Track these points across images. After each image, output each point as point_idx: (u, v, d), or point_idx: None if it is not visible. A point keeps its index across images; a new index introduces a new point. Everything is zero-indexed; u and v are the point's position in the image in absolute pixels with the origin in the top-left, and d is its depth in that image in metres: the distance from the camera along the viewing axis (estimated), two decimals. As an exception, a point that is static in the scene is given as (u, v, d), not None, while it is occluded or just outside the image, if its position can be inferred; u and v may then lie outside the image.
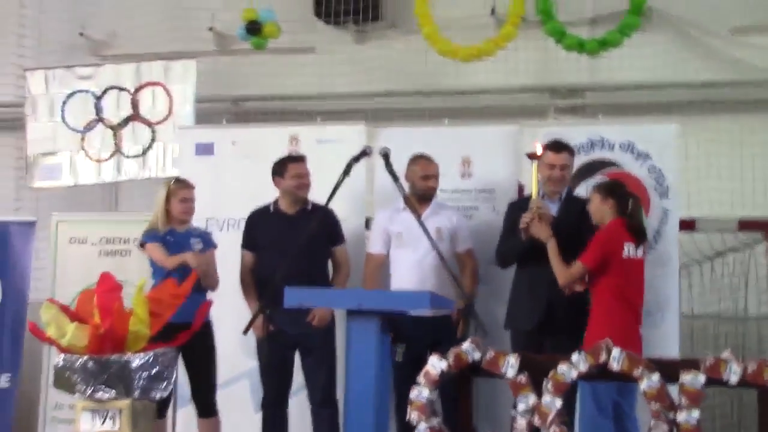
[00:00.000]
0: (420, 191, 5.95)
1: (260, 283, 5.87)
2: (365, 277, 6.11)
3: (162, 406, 5.63)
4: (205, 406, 5.98)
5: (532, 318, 5.59)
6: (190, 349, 5.68)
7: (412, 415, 4.16)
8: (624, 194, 5.44)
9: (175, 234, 5.91)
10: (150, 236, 5.89)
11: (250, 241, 6.05)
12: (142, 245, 5.95)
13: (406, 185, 5.78)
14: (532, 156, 5.41)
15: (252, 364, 6.21)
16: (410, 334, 5.46)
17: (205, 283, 5.84)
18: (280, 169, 6.01)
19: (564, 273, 5.33)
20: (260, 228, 6.04)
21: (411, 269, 5.89)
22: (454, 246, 5.99)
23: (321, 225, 5.63)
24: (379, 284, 6.04)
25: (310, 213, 5.89)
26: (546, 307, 5.54)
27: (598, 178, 6.19)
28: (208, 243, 6.03)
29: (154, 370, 4.90)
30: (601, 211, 5.40)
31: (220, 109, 9.18)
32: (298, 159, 6.09)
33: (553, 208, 5.67)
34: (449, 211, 6.07)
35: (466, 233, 6.07)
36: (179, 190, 5.94)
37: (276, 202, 6.06)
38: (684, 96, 8.54)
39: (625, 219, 5.36)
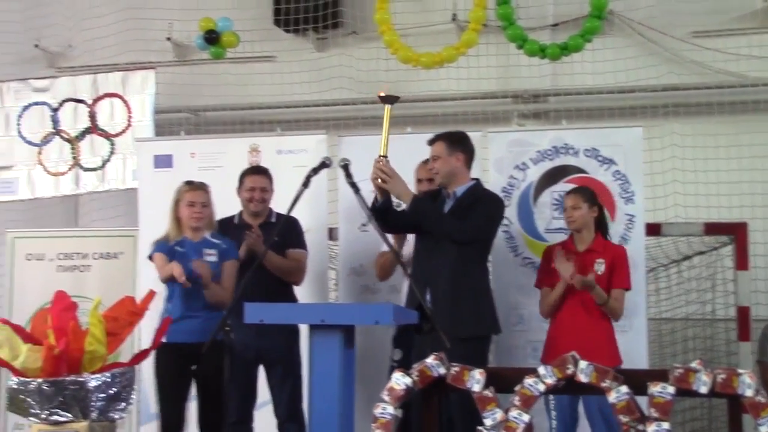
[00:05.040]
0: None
1: None
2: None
3: None
4: None
5: None
6: (202, 372, 5.32)
7: (376, 433, 4.06)
8: (599, 205, 5.51)
9: (187, 244, 5.47)
10: (157, 246, 5.51)
11: None
12: (150, 257, 5.56)
13: None
14: (384, 99, 4.94)
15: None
16: (408, 341, 5.45)
17: (208, 298, 5.38)
18: (239, 180, 5.90)
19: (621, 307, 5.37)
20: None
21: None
22: None
23: (280, 234, 5.46)
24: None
25: (274, 225, 5.71)
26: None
27: (563, 185, 6.14)
28: (225, 254, 5.52)
29: (111, 391, 4.76)
30: (588, 219, 5.40)
31: (179, 120, 9.07)
32: (255, 171, 5.93)
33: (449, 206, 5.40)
34: None
35: None
36: (186, 193, 5.52)
37: (241, 213, 5.94)
38: (647, 100, 8.55)
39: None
